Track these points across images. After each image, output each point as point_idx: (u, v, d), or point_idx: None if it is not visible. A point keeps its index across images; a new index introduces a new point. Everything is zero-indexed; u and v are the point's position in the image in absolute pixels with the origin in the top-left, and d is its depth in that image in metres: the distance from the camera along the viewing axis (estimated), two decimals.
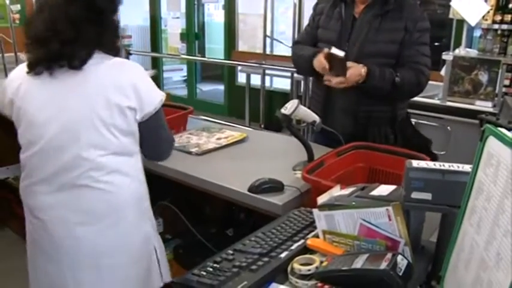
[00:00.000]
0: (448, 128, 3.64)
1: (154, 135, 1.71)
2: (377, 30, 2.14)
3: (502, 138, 0.84)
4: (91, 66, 1.54)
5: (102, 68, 1.56)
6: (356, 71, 2.06)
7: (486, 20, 3.99)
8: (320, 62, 2.11)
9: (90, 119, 1.53)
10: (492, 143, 0.88)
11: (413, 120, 3.60)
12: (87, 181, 1.56)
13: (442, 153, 3.62)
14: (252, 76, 5.80)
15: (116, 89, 1.55)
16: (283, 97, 5.28)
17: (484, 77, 3.65)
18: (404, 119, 2.32)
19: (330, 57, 2.07)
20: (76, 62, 1.51)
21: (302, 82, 4.44)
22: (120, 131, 1.57)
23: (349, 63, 2.07)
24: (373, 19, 2.15)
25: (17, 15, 5.98)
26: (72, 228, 1.59)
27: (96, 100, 1.53)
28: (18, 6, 5.76)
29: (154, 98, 1.64)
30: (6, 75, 4.51)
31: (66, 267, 1.62)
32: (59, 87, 1.54)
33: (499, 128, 0.86)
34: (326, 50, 2.08)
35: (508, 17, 3.99)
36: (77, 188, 1.57)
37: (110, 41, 1.63)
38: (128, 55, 5.26)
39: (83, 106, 1.53)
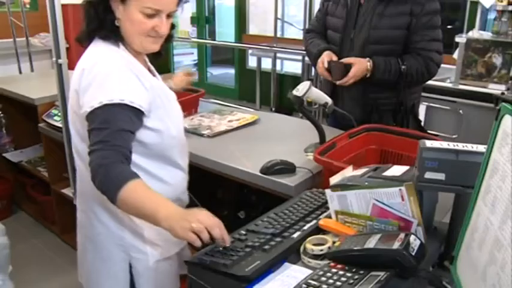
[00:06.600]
0: (460, 111, 3.60)
1: None
2: (381, 16, 2.09)
3: None
4: None
5: None
6: (361, 66, 2.06)
7: (501, 1, 3.91)
8: (321, 71, 2.17)
9: None
10: (508, 121, 0.87)
11: (425, 104, 3.62)
12: None
13: (454, 136, 3.60)
14: (263, 60, 5.76)
15: None
16: (294, 81, 5.26)
17: (498, 60, 3.60)
18: (410, 108, 2.24)
19: (331, 65, 2.13)
20: None
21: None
22: None
23: (353, 59, 2.07)
24: (377, 5, 2.10)
25: (28, 0, 5.98)
26: None
27: None
28: None
29: None
30: (18, 60, 4.53)
31: None
32: None
33: None
34: (327, 59, 2.14)
35: None
36: None
37: None
38: None
39: None
